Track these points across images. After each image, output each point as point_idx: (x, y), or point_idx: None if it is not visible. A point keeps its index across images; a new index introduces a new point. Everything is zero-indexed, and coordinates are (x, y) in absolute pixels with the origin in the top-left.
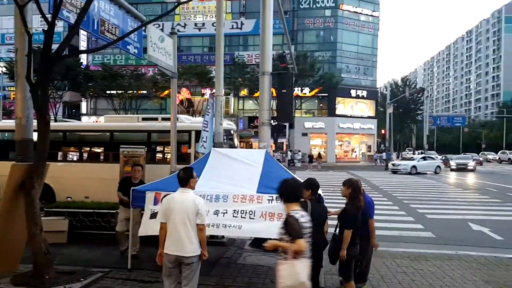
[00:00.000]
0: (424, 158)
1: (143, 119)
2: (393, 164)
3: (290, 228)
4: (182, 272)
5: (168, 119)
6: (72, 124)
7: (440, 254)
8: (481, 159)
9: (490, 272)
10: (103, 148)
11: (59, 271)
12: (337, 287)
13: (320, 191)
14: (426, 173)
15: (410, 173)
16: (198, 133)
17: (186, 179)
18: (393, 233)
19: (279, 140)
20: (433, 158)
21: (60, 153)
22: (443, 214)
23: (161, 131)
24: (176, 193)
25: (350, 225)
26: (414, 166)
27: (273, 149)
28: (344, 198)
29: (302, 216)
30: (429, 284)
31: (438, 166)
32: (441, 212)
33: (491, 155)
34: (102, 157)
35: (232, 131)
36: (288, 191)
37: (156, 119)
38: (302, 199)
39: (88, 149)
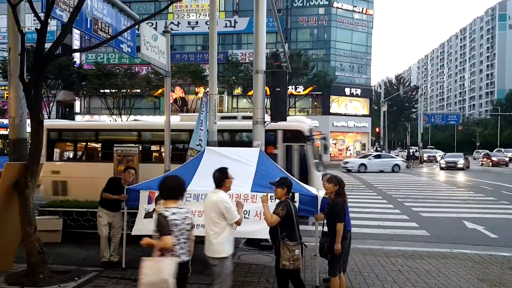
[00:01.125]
0: (378, 156)
1: (222, 117)
2: (344, 162)
3: (158, 225)
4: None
5: (250, 117)
6: (149, 123)
7: (434, 252)
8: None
9: (484, 270)
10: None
11: (53, 270)
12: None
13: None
14: (382, 171)
15: (359, 171)
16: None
17: (221, 179)
18: (388, 231)
19: None
20: (392, 157)
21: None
22: (437, 212)
23: (242, 130)
24: (209, 194)
25: (341, 218)
26: (363, 164)
27: None
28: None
29: (174, 214)
30: (424, 282)
31: (397, 165)
32: (436, 210)
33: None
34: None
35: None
36: (166, 189)
37: (235, 117)
38: (282, 199)
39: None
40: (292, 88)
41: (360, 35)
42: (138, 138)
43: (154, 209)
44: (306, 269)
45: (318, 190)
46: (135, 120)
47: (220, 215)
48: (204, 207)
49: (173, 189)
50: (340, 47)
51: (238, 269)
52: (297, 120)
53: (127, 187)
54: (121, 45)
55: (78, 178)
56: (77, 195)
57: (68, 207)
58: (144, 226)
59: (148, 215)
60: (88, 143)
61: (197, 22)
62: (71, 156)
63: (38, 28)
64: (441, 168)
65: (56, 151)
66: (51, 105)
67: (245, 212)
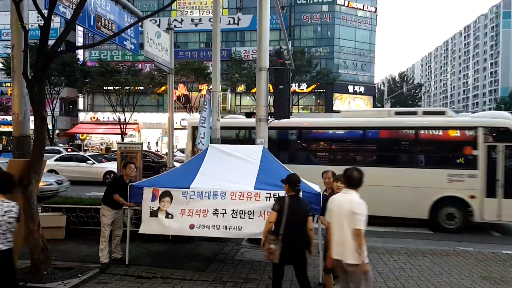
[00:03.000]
0: None
1: (397, 113)
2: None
3: None
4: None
5: (434, 113)
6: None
7: (437, 250)
8: None
9: (487, 268)
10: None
11: (56, 267)
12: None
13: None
14: None
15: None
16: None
17: (359, 179)
18: (390, 229)
19: None
20: None
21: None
22: None
23: (427, 128)
24: (337, 194)
25: None
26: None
27: None
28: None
29: None
30: (427, 280)
31: None
32: None
33: None
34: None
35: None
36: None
37: (414, 113)
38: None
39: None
40: (295, 86)
41: (364, 33)
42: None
43: (158, 207)
44: (309, 266)
45: None
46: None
47: (351, 216)
48: (336, 209)
49: (3, 183)
50: (343, 45)
51: (241, 266)
52: (500, 116)
53: (131, 184)
54: (124, 42)
55: None
56: None
57: (71, 203)
58: (151, 225)
59: (153, 213)
60: (246, 142)
61: (200, 19)
62: None
63: (42, 25)
64: None
65: None
66: (54, 102)
67: (250, 213)
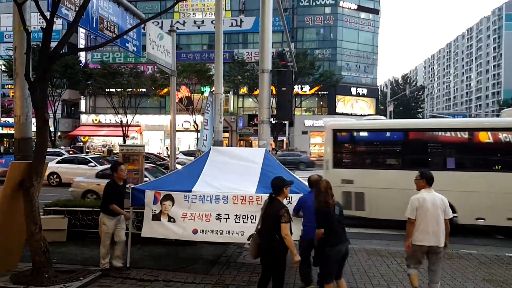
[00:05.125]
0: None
1: None
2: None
3: None
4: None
5: None
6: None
7: None
8: None
9: (491, 270)
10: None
11: (58, 270)
12: None
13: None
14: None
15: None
16: None
17: (432, 179)
18: (393, 231)
19: (279, 138)
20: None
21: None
22: None
23: None
24: (425, 194)
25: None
26: None
27: (273, 147)
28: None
29: None
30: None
31: None
32: None
33: None
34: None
35: None
36: None
37: None
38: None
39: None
40: (298, 88)
41: (367, 35)
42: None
43: (161, 210)
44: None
45: None
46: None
47: (444, 210)
48: (431, 206)
49: None
50: (346, 47)
51: (244, 268)
52: None
53: (133, 187)
54: (126, 44)
55: (382, 189)
56: (377, 209)
57: (73, 206)
58: (153, 229)
59: (155, 217)
60: (394, 146)
61: (203, 21)
62: (370, 162)
63: (44, 27)
64: None
65: (347, 156)
66: (56, 104)
67: (252, 217)
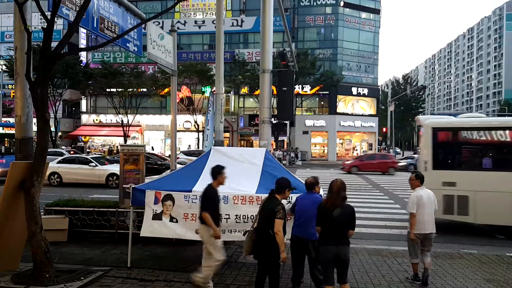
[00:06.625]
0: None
1: None
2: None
3: None
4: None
5: None
6: None
7: (441, 253)
8: None
9: (491, 270)
10: None
11: (59, 270)
12: None
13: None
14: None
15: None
16: None
17: (423, 178)
18: (394, 231)
19: (280, 138)
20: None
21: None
22: None
23: None
24: (420, 191)
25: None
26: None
27: (274, 147)
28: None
29: None
30: (431, 283)
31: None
32: None
33: None
34: None
35: None
36: None
37: None
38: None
39: None
40: (298, 88)
41: (367, 35)
42: None
43: (162, 210)
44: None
45: None
46: None
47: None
48: (427, 201)
49: None
50: (347, 47)
51: (244, 268)
52: None
53: (133, 186)
54: (127, 44)
55: (489, 192)
56: (483, 214)
57: (74, 206)
58: (153, 228)
59: (156, 217)
60: (504, 146)
61: (203, 21)
62: (476, 163)
63: (45, 27)
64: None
65: (449, 157)
66: (57, 104)
67: (252, 217)
